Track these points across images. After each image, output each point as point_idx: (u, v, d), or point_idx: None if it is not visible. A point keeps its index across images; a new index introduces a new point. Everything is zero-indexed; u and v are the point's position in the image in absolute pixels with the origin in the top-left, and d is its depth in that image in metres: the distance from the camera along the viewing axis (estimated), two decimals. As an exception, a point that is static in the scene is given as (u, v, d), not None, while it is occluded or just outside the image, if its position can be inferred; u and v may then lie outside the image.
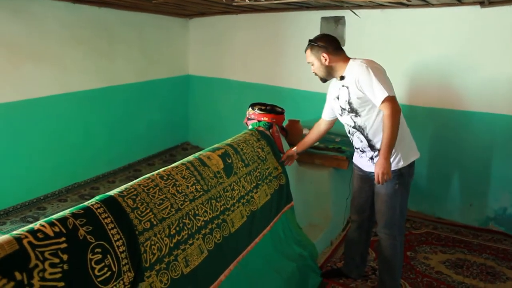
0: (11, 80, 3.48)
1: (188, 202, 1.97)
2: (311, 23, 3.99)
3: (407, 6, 3.27)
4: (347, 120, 2.41)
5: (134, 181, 1.88)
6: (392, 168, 2.22)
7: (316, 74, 2.41)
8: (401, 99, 3.60)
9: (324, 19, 3.97)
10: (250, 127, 2.92)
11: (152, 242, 1.72)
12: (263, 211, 2.52)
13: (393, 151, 2.23)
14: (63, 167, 4.00)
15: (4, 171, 3.54)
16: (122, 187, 1.80)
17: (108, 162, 4.46)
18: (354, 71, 2.25)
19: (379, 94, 2.14)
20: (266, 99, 4.72)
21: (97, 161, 4.32)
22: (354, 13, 3.61)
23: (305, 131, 3.74)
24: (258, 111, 2.88)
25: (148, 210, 1.77)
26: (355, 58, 2.33)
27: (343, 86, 2.34)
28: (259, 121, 2.88)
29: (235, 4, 3.12)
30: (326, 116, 2.63)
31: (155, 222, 1.76)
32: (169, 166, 2.08)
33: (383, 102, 2.14)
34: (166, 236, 1.79)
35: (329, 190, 3.02)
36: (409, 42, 3.53)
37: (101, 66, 4.21)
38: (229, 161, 2.36)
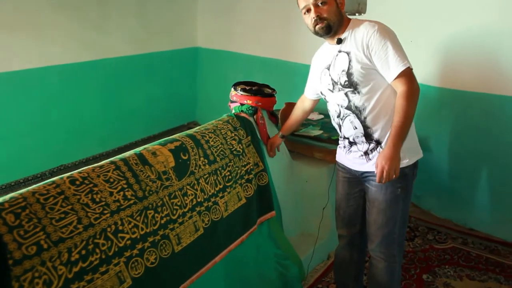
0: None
1: (108, 215, 1.49)
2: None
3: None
4: (338, 99, 1.82)
5: (30, 187, 1.42)
6: None
7: (321, 20, 1.72)
8: (428, 79, 2.93)
9: (344, -20, 3.29)
10: (233, 111, 2.38)
11: (37, 274, 1.26)
12: (233, 220, 2.00)
13: None
14: (47, 148, 3.65)
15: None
16: (7, 197, 1.35)
17: (100, 142, 4.07)
18: (360, 33, 1.71)
19: (396, 65, 1.63)
20: (279, 76, 4.16)
21: (88, 141, 3.95)
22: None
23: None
24: (241, 92, 2.32)
25: (38, 229, 1.30)
26: (356, 19, 1.79)
27: (340, 51, 1.77)
28: (241, 104, 2.33)
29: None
30: (310, 94, 2.10)
31: (46, 246, 1.30)
32: (90, 166, 1.59)
33: (399, 76, 1.63)
34: (62, 264, 1.32)
35: (328, 191, 2.44)
36: (446, 9, 2.79)
37: (90, 35, 3.76)
38: (185, 157, 1.85)
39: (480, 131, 2.81)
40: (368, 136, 1.77)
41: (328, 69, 1.84)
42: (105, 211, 1.49)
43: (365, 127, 1.76)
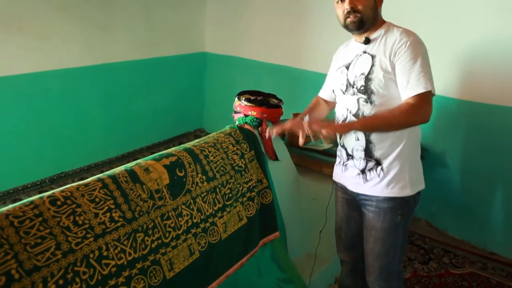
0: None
1: (92, 239, 1.34)
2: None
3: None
4: (348, 103, 1.67)
5: (5, 208, 1.28)
6: (395, 195, 1.59)
7: (354, 12, 1.56)
8: (446, 90, 2.75)
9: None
10: (236, 122, 2.24)
11: (5, 309, 1.12)
12: (232, 243, 1.85)
13: (399, 171, 1.59)
14: (48, 154, 3.53)
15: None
16: (-24, 219, 1.22)
17: (103, 149, 3.94)
18: (392, 38, 1.56)
19: (417, 84, 1.48)
20: (288, 83, 4.01)
21: (89, 148, 3.82)
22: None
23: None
24: (245, 103, 2.17)
25: (9, 257, 1.17)
26: (392, 23, 1.66)
27: (365, 52, 1.62)
28: (245, 115, 2.18)
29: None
30: (325, 93, 1.97)
31: (17, 276, 1.16)
32: (75, 184, 1.45)
33: (416, 96, 1.47)
34: (36, 296, 1.18)
35: (326, 212, 2.26)
36: (467, 16, 2.61)
37: (94, 39, 3.64)
38: (181, 174, 1.70)
39: (501, 147, 2.62)
40: (368, 152, 1.63)
41: (347, 68, 1.69)
42: (88, 235, 1.34)
43: (368, 142, 1.62)
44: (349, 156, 1.70)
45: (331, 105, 1.96)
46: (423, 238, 2.83)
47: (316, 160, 2.44)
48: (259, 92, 2.28)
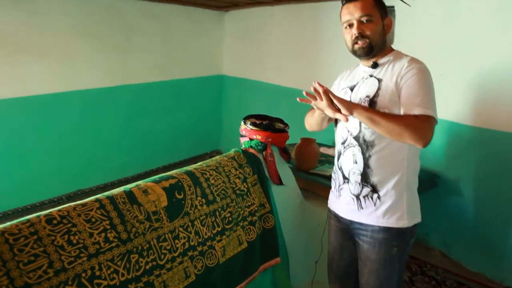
0: (9, 75, 3.19)
1: (85, 259, 1.37)
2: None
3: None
4: (349, 125, 1.64)
5: (2, 225, 1.33)
6: (391, 225, 1.55)
7: (363, 38, 1.55)
8: (458, 117, 2.69)
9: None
10: (242, 146, 2.25)
11: (-6, 326, 1.15)
12: (231, 267, 1.84)
13: (396, 201, 1.55)
14: (65, 172, 3.64)
15: (-2, 173, 3.26)
16: (-26, 235, 1.26)
17: (120, 168, 4.04)
18: (401, 64, 1.54)
19: (420, 105, 1.44)
20: (302, 106, 4.00)
21: (106, 166, 3.92)
22: (402, 1, 2.73)
23: (324, 150, 2.98)
24: (251, 127, 2.19)
25: (1, 273, 1.20)
26: (400, 52, 1.64)
27: (371, 76, 1.61)
28: (251, 139, 2.20)
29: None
30: None
31: (8, 293, 1.19)
32: (73, 204, 1.49)
33: (420, 116, 1.43)
34: (26, 314, 1.21)
35: (321, 242, 2.22)
36: (480, 41, 2.57)
37: (115, 62, 3.80)
38: (180, 197, 1.72)
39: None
40: (365, 177, 1.59)
41: (351, 90, 1.68)
42: (82, 254, 1.37)
43: (366, 166, 1.58)
44: (345, 180, 1.67)
45: (323, 124, 1.90)
46: (436, 269, 2.73)
47: (323, 185, 2.41)
48: (266, 116, 2.30)
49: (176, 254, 1.63)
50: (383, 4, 1.59)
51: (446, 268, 2.75)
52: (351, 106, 1.46)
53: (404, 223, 1.55)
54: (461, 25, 2.63)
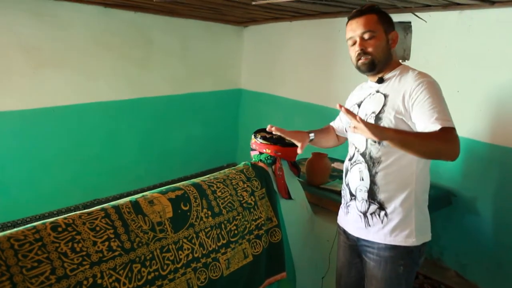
0: (31, 86, 3.30)
1: (87, 267, 1.39)
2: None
3: (492, 4, 2.31)
4: (356, 141, 1.64)
5: (8, 231, 1.36)
6: (398, 243, 1.51)
7: (365, 54, 1.55)
8: (475, 134, 2.64)
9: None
10: (252, 160, 2.26)
11: (-5, 330, 1.18)
12: (235, 280, 1.83)
13: (404, 218, 1.51)
14: (83, 181, 3.72)
15: (17, 181, 3.35)
16: (-19, 240, 1.30)
17: (136, 179, 4.10)
18: (407, 79, 1.51)
19: (439, 119, 1.36)
20: (318, 121, 3.96)
21: (123, 177, 3.99)
22: (417, 16, 2.71)
23: (337, 165, 2.96)
24: (261, 140, 2.20)
25: (4, 278, 1.23)
26: (408, 66, 1.62)
27: (377, 92, 1.59)
28: (260, 153, 2.20)
29: (254, 3, 2.51)
30: (335, 125, 1.99)
31: (10, 297, 1.22)
32: (78, 212, 1.53)
33: (445, 129, 1.35)
34: (26, 319, 1.23)
35: (329, 258, 2.20)
36: (498, 57, 2.52)
37: (135, 75, 3.88)
38: (185, 208, 1.73)
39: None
40: (371, 194, 1.57)
41: (359, 106, 1.67)
42: (84, 262, 1.39)
43: (372, 183, 1.56)
44: (352, 197, 1.66)
45: (341, 140, 2.00)
46: (452, 290, 2.65)
47: (333, 200, 2.38)
48: (276, 130, 2.30)
49: (179, 265, 1.64)
50: (388, 18, 1.58)
51: (462, 290, 2.67)
52: (383, 133, 1.32)
53: (412, 241, 1.51)
54: (478, 40, 2.59)
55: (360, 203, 1.61)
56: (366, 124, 1.29)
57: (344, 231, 1.76)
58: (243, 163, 2.17)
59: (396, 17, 2.94)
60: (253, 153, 2.27)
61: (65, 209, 3.63)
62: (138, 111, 3.99)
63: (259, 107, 4.68)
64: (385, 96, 1.55)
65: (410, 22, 2.93)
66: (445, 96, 1.46)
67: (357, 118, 1.29)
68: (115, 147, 3.90)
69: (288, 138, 1.79)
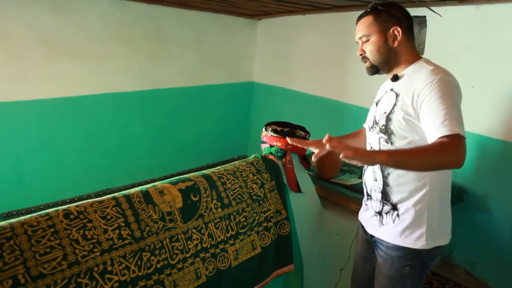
0: (46, 77, 3.34)
1: (98, 254, 1.42)
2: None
3: None
4: (372, 140, 1.62)
5: (22, 217, 1.40)
6: (407, 245, 1.49)
7: (365, 59, 1.57)
8: (490, 131, 2.60)
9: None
10: (263, 152, 2.27)
11: (9, 312, 1.21)
12: (243, 271, 1.85)
13: (415, 220, 1.47)
14: (96, 171, 3.78)
15: (32, 169, 3.41)
16: (-3, 224, 1.34)
17: (148, 170, 4.14)
18: (419, 77, 1.43)
19: (443, 125, 1.31)
20: (330, 115, 4.00)
21: (136, 167, 4.04)
22: (432, 10, 2.68)
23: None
24: (271, 133, 2.20)
25: (18, 262, 1.26)
26: (428, 60, 1.52)
27: (391, 90, 1.55)
28: (271, 146, 2.21)
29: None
30: (366, 126, 1.84)
31: (23, 280, 1.25)
32: (90, 200, 1.55)
33: (445, 137, 1.30)
34: (39, 303, 1.26)
35: (350, 250, 2.20)
36: (511, 53, 2.48)
37: (148, 67, 3.91)
38: (195, 199, 1.75)
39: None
40: (385, 195, 1.56)
41: (377, 105, 1.64)
42: (95, 249, 1.42)
43: (385, 184, 1.55)
44: (368, 196, 1.67)
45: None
46: (459, 287, 2.63)
47: (343, 195, 2.39)
48: (287, 123, 2.31)
49: (188, 255, 1.66)
50: (386, 16, 1.50)
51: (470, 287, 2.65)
52: (373, 159, 1.33)
53: (422, 245, 1.48)
54: (495, 35, 2.54)
55: (375, 203, 1.61)
56: (355, 151, 1.27)
57: (362, 226, 1.76)
58: (253, 155, 2.18)
59: (411, 11, 2.92)
60: (263, 146, 2.27)
61: (77, 198, 3.69)
62: (151, 102, 4.02)
63: (271, 100, 4.67)
64: (397, 95, 1.50)
65: (425, 17, 2.89)
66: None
67: (342, 146, 1.31)
68: (128, 138, 3.94)
69: (307, 147, 1.77)
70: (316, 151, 1.63)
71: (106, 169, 3.84)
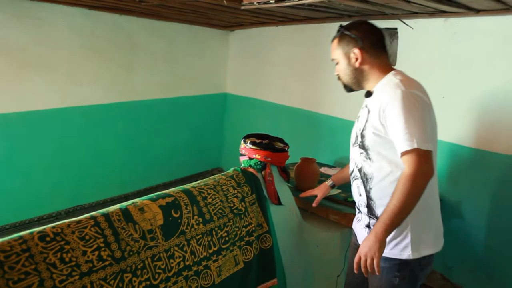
0: (12, 90, 3.20)
1: (77, 277, 1.35)
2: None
3: (477, 12, 2.35)
4: (354, 155, 1.67)
5: (-5, 241, 1.31)
6: (394, 256, 1.50)
7: (339, 79, 1.69)
8: (461, 139, 2.68)
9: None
10: (242, 165, 2.24)
11: None
12: (226, 287, 1.81)
13: (399, 232, 1.50)
14: (66, 187, 3.64)
15: (-4, 187, 3.26)
16: (-34, 251, 1.25)
17: (120, 184, 4.03)
18: (384, 93, 1.48)
19: (402, 140, 1.37)
20: (305, 126, 4.02)
21: (107, 182, 3.91)
22: (404, 23, 2.75)
23: (324, 170, 2.97)
24: (250, 146, 2.18)
25: (-10, 291, 1.19)
26: (397, 72, 1.55)
27: (366, 106, 1.61)
28: (250, 158, 2.19)
29: (243, 8, 2.50)
30: None
31: (-4, 311, 1.17)
32: (67, 221, 1.48)
33: (405, 153, 1.37)
34: (13, 334, 1.19)
35: (340, 259, 2.21)
36: (482, 64, 2.57)
37: (119, 79, 3.82)
38: (176, 215, 1.71)
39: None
40: (370, 209, 1.59)
41: (357, 121, 1.68)
42: (74, 273, 1.35)
43: (368, 198, 1.58)
44: (358, 210, 1.71)
45: None
46: (438, 294, 2.68)
47: (322, 206, 2.38)
48: (266, 135, 2.30)
49: (170, 274, 1.61)
50: (347, 38, 1.58)
51: (447, 293, 2.70)
52: (379, 241, 1.39)
53: (408, 255, 1.50)
54: (463, 47, 2.63)
55: (364, 217, 1.64)
56: (361, 255, 1.42)
57: (355, 234, 1.79)
58: (232, 168, 2.15)
59: (384, 24, 2.99)
60: (242, 159, 2.25)
61: (46, 216, 3.54)
62: (122, 115, 3.93)
63: (245, 111, 4.66)
64: (369, 111, 1.55)
65: (396, 29, 2.97)
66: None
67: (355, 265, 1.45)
68: (99, 151, 3.82)
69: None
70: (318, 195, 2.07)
71: (77, 185, 3.70)
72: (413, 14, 2.64)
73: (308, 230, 2.31)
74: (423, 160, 1.36)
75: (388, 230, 1.38)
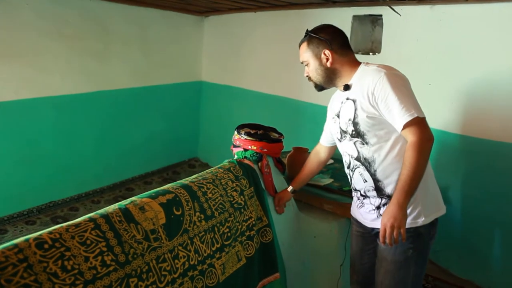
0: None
1: (81, 286, 1.24)
2: (339, 23, 3.12)
3: (466, 0, 2.36)
4: (347, 148, 1.72)
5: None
6: (408, 226, 1.54)
7: (310, 79, 1.78)
8: (447, 125, 2.71)
9: (356, 18, 3.13)
10: (235, 157, 2.16)
11: None
12: (230, 285, 1.75)
13: (412, 200, 1.56)
14: (36, 183, 3.42)
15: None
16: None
17: (94, 178, 3.84)
18: (366, 79, 1.58)
19: (401, 114, 1.49)
20: (284, 113, 3.97)
21: (80, 176, 3.72)
22: (393, 9, 2.73)
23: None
24: (245, 137, 2.10)
25: (-12, 308, 1.06)
26: (367, 63, 1.68)
27: (347, 99, 1.67)
28: (245, 149, 2.11)
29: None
30: (325, 141, 1.99)
31: (-5, 330, 1.05)
32: (65, 224, 1.36)
33: (407, 125, 1.48)
34: None
35: (338, 249, 2.19)
36: (468, 51, 2.59)
37: (91, 67, 3.61)
38: (178, 213, 1.61)
39: (505, 184, 2.56)
40: (379, 191, 1.64)
41: (338, 117, 1.74)
42: (77, 282, 1.24)
43: (376, 181, 1.63)
44: (364, 197, 1.72)
45: (331, 152, 2.04)
46: (426, 277, 2.73)
47: (317, 196, 2.35)
48: (259, 125, 2.22)
49: (176, 275, 1.52)
50: (317, 41, 1.68)
51: (435, 276, 2.76)
52: (400, 210, 1.45)
53: (422, 221, 1.58)
54: (449, 34, 2.65)
55: (374, 199, 1.67)
56: (388, 227, 1.46)
57: (357, 221, 1.81)
58: (227, 160, 2.07)
59: (371, 10, 2.96)
60: (236, 150, 2.17)
61: (17, 214, 3.32)
62: (94, 105, 3.73)
63: (221, 99, 4.55)
64: (354, 101, 1.63)
65: (380, 15, 2.94)
66: (417, 89, 1.57)
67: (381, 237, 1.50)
68: (70, 144, 3.61)
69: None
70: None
71: (49, 180, 3.49)
72: (401, 1, 2.62)
73: (304, 221, 2.27)
74: (425, 126, 1.50)
75: (408, 196, 1.46)
